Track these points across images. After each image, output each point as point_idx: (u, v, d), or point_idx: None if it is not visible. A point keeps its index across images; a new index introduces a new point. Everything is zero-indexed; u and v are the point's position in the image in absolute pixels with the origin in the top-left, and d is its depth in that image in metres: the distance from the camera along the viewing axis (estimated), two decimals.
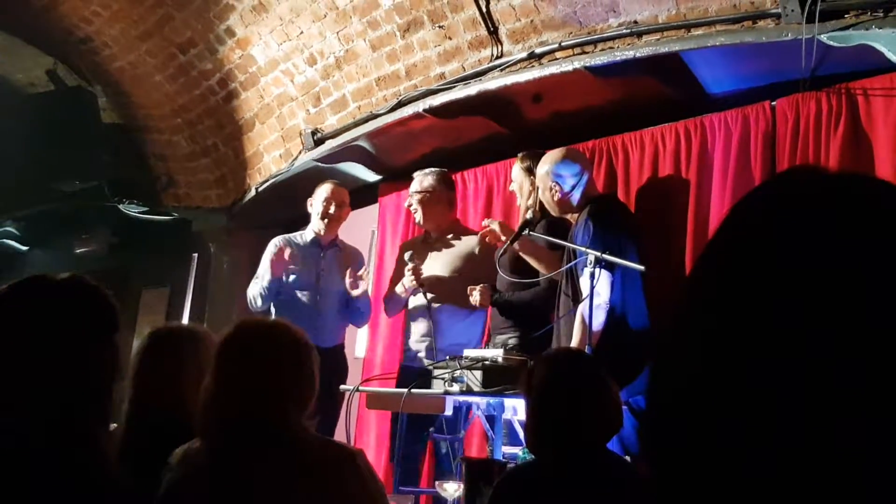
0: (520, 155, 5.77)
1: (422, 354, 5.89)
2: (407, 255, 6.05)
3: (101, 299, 2.13)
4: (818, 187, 0.87)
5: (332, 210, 6.38)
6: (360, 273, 6.26)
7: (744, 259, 0.85)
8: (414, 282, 5.95)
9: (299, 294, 6.29)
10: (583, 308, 4.85)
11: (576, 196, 5.25)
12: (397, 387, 5.57)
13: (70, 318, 2.05)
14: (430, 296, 5.94)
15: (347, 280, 6.21)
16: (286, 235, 6.53)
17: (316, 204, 6.43)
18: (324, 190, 6.45)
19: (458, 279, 5.90)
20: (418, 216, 6.22)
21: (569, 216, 5.34)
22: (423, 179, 6.22)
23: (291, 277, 6.32)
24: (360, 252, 6.73)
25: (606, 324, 4.85)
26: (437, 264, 6.05)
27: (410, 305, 6.16)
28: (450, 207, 6.28)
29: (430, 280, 5.99)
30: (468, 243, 6.09)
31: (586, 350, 4.53)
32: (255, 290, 6.30)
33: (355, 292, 6.24)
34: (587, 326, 4.72)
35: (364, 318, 6.57)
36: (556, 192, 5.26)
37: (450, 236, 6.18)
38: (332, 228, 6.45)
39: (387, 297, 6.34)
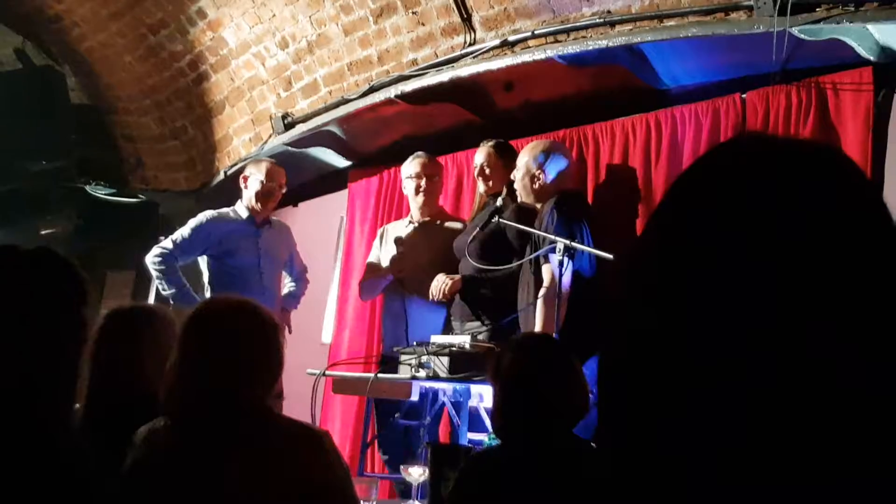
0: (494, 142, 5.75)
1: (396, 342, 5.81)
2: (393, 239, 5.94)
3: (69, 270, 2.11)
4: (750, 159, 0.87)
5: (272, 189, 6.35)
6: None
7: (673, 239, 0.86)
8: (398, 272, 5.87)
9: (241, 275, 6.22)
10: (544, 295, 4.88)
11: (551, 187, 5.27)
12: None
13: (37, 288, 2.02)
14: (407, 287, 5.85)
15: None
16: (218, 211, 6.46)
17: (253, 182, 6.36)
18: (262, 169, 6.39)
19: (443, 268, 5.83)
20: (420, 199, 6.06)
21: (538, 205, 5.34)
22: (428, 164, 6.09)
23: (231, 257, 6.28)
24: (287, 225, 6.75)
25: (570, 309, 4.86)
26: (425, 251, 5.94)
27: (388, 294, 6.10)
28: (441, 195, 6.28)
29: (415, 269, 5.86)
30: (454, 230, 6.00)
31: (553, 336, 4.54)
32: (158, 254, 6.29)
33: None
34: (550, 313, 4.74)
35: (299, 299, 6.66)
36: (539, 180, 5.27)
37: (437, 222, 6.09)
38: (269, 207, 6.42)
39: (364, 281, 6.22)
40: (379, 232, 6.39)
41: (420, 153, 6.15)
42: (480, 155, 5.75)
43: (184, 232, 6.34)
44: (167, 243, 6.29)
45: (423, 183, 6.03)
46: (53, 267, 2.08)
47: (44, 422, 1.94)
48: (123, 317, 3.30)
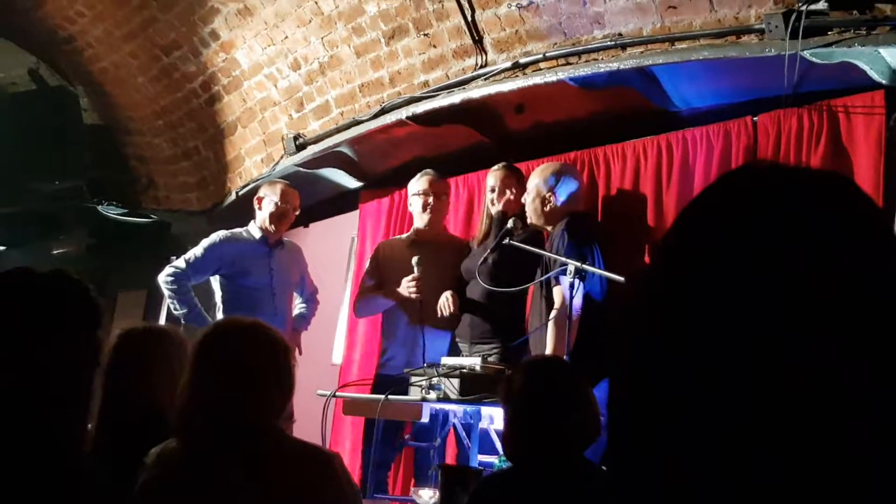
0: (504, 164, 5.77)
1: (409, 362, 5.78)
2: (414, 260, 5.80)
3: (83, 294, 2.11)
4: (766, 186, 0.88)
5: (286, 211, 6.37)
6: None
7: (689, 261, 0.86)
8: (415, 291, 5.79)
9: (255, 295, 6.23)
10: (555, 317, 4.88)
11: (562, 209, 5.27)
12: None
13: (50, 311, 2.03)
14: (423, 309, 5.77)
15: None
16: (231, 231, 6.46)
17: (267, 203, 6.38)
18: (277, 190, 6.41)
19: (444, 285, 5.83)
20: (426, 218, 6.02)
21: (548, 227, 5.34)
22: (436, 182, 6.06)
23: (244, 277, 6.28)
24: (300, 248, 6.76)
25: (581, 331, 4.86)
26: (431, 271, 5.94)
27: (394, 310, 6.05)
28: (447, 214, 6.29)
29: (430, 291, 5.80)
30: (454, 249, 6.02)
31: (564, 358, 4.54)
32: (171, 273, 6.29)
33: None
34: (561, 335, 4.74)
35: (309, 320, 6.65)
36: (550, 203, 5.28)
37: (438, 240, 6.08)
38: (282, 229, 6.44)
39: (360, 298, 6.16)
40: (377, 248, 6.36)
41: (429, 171, 6.14)
42: (492, 177, 5.76)
43: (196, 252, 6.34)
44: (180, 263, 6.30)
45: (430, 200, 6.01)
46: (68, 290, 2.09)
47: (57, 442, 1.95)
48: (135, 338, 3.31)
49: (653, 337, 0.86)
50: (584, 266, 4.68)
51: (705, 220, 0.89)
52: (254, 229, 6.42)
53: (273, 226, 6.35)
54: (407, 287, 5.77)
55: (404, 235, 6.26)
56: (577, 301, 4.81)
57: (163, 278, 6.28)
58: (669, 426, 0.81)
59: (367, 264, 6.34)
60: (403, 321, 5.93)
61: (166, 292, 6.26)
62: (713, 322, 0.80)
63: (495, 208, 5.71)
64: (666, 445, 0.81)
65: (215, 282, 6.38)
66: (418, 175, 6.14)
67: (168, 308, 8.52)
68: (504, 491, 3.14)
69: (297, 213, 6.52)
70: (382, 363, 6.02)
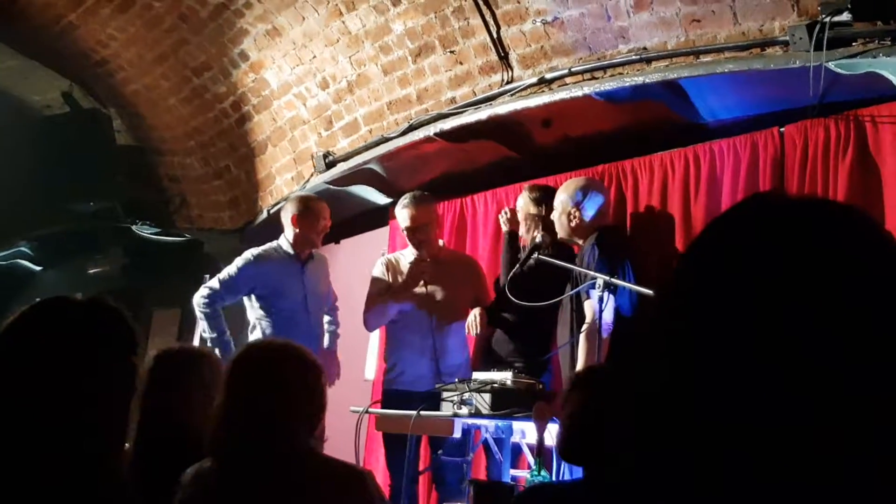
0: (528, 186, 5.82)
1: (419, 377, 5.86)
2: (385, 262, 6.04)
3: (121, 321, 2.16)
4: (776, 214, 0.90)
5: (322, 225, 6.37)
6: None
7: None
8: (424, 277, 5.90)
9: (290, 316, 6.22)
10: (585, 331, 4.88)
11: (590, 224, 5.29)
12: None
13: (89, 339, 2.07)
14: (413, 316, 5.91)
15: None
16: (262, 249, 6.43)
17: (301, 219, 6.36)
18: (308, 205, 6.40)
19: (449, 302, 5.93)
20: (419, 248, 6.07)
21: (577, 241, 5.36)
22: (421, 211, 6.03)
23: (279, 297, 6.27)
24: (326, 258, 6.74)
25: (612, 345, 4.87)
26: (439, 286, 6.01)
27: (395, 326, 6.11)
28: (438, 230, 6.28)
29: (422, 301, 5.94)
30: (454, 266, 6.11)
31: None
32: (206, 295, 6.27)
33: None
34: (592, 349, 4.75)
35: (337, 331, 6.67)
36: (576, 218, 5.30)
37: (437, 259, 6.10)
38: (315, 244, 6.44)
39: (368, 310, 6.17)
40: (383, 261, 6.36)
41: (409, 199, 6.10)
42: (519, 201, 5.84)
43: (230, 271, 6.32)
44: (214, 283, 6.29)
45: (418, 235, 6.05)
46: (105, 317, 2.14)
47: (94, 468, 1.99)
48: (171, 359, 3.37)
49: (676, 353, 0.88)
50: (613, 280, 4.69)
51: (713, 253, 0.92)
52: (285, 244, 6.39)
53: (305, 241, 6.35)
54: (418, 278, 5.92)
55: (408, 250, 6.24)
56: (608, 315, 4.82)
57: (197, 300, 6.26)
58: (694, 438, 0.84)
59: (372, 282, 6.29)
60: (412, 334, 5.97)
61: (199, 314, 6.23)
62: (734, 341, 0.83)
63: (523, 229, 5.78)
64: (690, 457, 0.84)
65: (248, 301, 6.37)
66: (400, 204, 6.14)
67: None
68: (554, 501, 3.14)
69: (329, 225, 6.50)
70: (391, 378, 6.06)
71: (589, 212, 5.30)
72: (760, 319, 0.82)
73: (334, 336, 6.62)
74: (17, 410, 1.97)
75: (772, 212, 0.91)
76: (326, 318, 6.62)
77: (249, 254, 6.41)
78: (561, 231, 5.41)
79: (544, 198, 5.67)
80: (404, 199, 6.13)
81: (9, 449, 1.93)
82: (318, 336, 6.34)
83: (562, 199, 5.40)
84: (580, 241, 5.32)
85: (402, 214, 6.08)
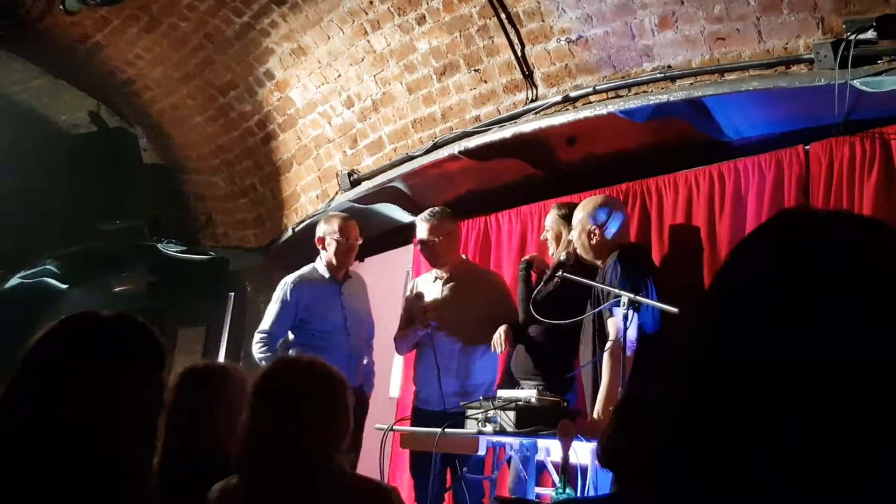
0: (556, 204, 5.83)
1: (431, 397, 5.90)
2: (413, 294, 6.07)
3: (149, 337, 2.17)
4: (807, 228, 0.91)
5: (350, 244, 6.40)
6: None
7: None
8: (425, 320, 5.92)
9: (329, 337, 6.27)
10: (610, 349, 4.87)
11: (611, 243, 5.28)
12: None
13: (118, 354, 2.09)
14: (439, 336, 5.92)
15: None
16: (299, 275, 6.49)
17: (330, 240, 6.41)
18: (336, 225, 6.44)
19: (468, 319, 5.94)
20: (432, 260, 6.19)
21: (599, 262, 5.33)
22: (435, 224, 6.14)
23: (319, 320, 6.32)
24: (361, 276, 6.76)
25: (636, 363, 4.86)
26: (447, 304, 6.05)
27: (421, 347, 6.17)
28: (458, 245, 6.33)
29: (441, 317, 5.97)
30: (476, 281, 6.12)
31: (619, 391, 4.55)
32: (259, 341, 6.33)
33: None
34: (616, 367, 4.74)
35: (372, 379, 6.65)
36: (596, 236, 5.28)
37: (459, 274, 6.16)
38: (349, 263, 6.47)
39: (397, 336, 6.31)
40: (410, 286, 6.48)
41: (423, 217, 6.22)
42: (548, 219, 5.86)
43: (273, 310, 6.39)
44: (264, 326, 6.35)
45: (425, 249, 6.17)
46: (132, 332, 2.16)
47: (122, 483, 2.01)
48: (198, 376, 3.38)
49: (704, 370, 0.89)
50: (637, 297, 4.69)
51: (748, 269, 0.93)
52: (321, 268, 6.45)
53: (339, 262, 6.40)
54: (420, 319, 5.97)
55: (434, 271, 6.32)
56: (632, 333, 4.82)
57: (255, 350, 6.33)
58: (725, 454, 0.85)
59: (404, 305, 6.40)
60: (431, 355, 5.99)
61: (261, 361, 6.20)
62: (763, 361, 0.84)
63: (552, 250, 5.78)
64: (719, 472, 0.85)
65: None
66: (418, 218, 6.26)
67: (227, 343, 8.66)
68: None
69: (360, 242, 6.54)
70: (416, 398, 6.20)
71: (611, 230, 5.29)
72: (797, 337, 0.83)
73: (369, 383, 6.58)
74: (46, 425, 1.99)
75: (802, 230, 0.92)
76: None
77: (286, 284, 6.45)
78: (581, 250, 5.40)
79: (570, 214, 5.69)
80: (422, 214, 6.23)
81: (38, 463, 1.95)
82: (360, 356, 6.36)
83: (580, 217, 5.38)
84: (599, 261, 5.30)
85: (417, 228, 6.22)
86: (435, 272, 6.26)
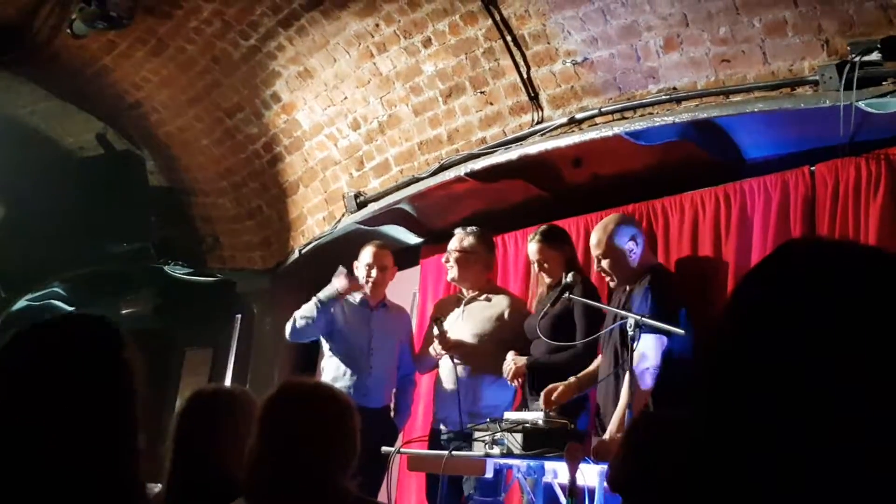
0: (539, 231, 5.73)
1: (448, 418, 5.88)
2: (434, 320, 6.06)
3: (100, 327, 2.09)
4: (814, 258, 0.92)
5: (373, 274, 6.41)
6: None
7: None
8: (441, 349, 5.93)
9: (350, 354, 6.33)
10: (637, 369, 4.79)
11: (643, 261, 5.22)
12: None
13: (70, 355, 2.02)
14: (457, 361, 5.89)
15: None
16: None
17: (360, 268, 6.47)
18: (366, 254, 6.48)
19: (488, 342, 5.92)
20: (453, 273, 6.19)
21: (627, 284, 5.25)
22: (464, 238, 6.19)
23: (345, 334, 6.38)
24: (406, 310, 6.81)
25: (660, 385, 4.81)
26: (468, 326, 6.06)
27: (438, 368, 6.18)
28: (486, 269, 6.27)
29: (459, 345, 5.95)
30: (499, 305, 6.09)
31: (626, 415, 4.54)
32: (303, 311, 6.44)
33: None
34: (636, 389, 4.70)
35: (406, 414, 6.65)
36: (635, 254, 5.18)
37: (482, 297, 6.17)
38: (377, 291, 6.49)
39: (418, 357, 6.41)
40: (434, 307, 6.55)
41: (459, 229, 6.29)
42: (532, 249, 5.74)
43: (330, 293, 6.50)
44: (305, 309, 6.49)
45: (451, 259, 6.20)
46: (81, 329, 2.09)
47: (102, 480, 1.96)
48: (204, 400, 3.38)
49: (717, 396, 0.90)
50: (642, 319, 4.63)
51: (760, 297, 0.93)
52: (356, 293, 6.51)
53: (367, 290, 6.45)
54: (434, 348, 5.97)
55: (462, 292, 6.33)
56: (654, 356, 4.79)
57: (295, 322, 6.49)
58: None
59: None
60: (444, 378, 6.06)
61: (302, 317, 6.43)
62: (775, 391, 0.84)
63: (547, 278, 5.72)
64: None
65: (322, 341, 6.55)
66: (457, 229, 6.31)
67: (234, 365, 8.66)
68: None
69: (392, 270, 6.60)
70: (434, 418, 6.20)
71: (640, 246, 5.23)
72: (808, 372, 0.83)
73: (401, 418, 6.57)
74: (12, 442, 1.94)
75: (810, 261, 0.92)
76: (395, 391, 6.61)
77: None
78: (617, 272, 5.21)
79: (561, 237, 5.67)
80: (458, 231, 6.32)
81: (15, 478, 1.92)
82: (378, 380, 6.35)
83: (603, 238, 5.21)
84: (627, 283, 5.20)
85: (453, 240, 6.29)
86: (461, 293, 6.30)
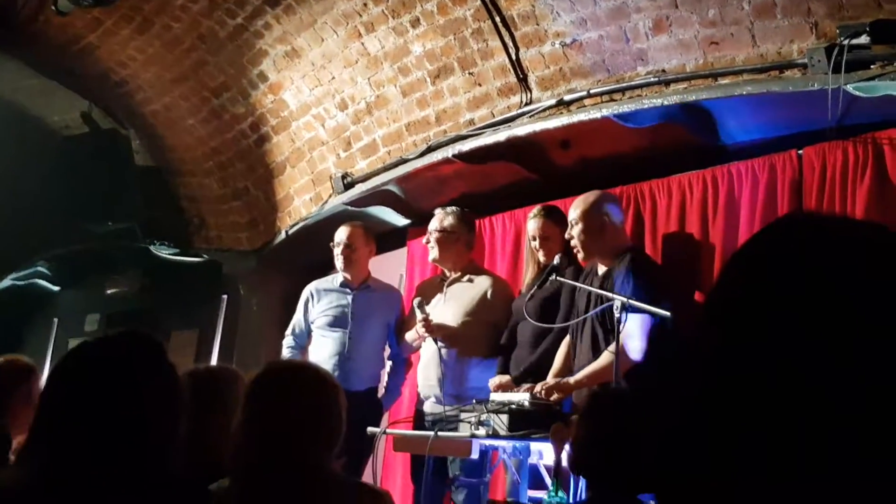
0: (542, 210, 5.75)
1: (432, 400, 5.88)
2: (416, 303, 6.04)
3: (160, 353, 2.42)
4: (814, 232, 0.91)
5: (339, 253, 6.45)
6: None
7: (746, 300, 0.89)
8: (425, 332, 5.92)
9: (330, 337, 6.34)
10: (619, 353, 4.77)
11: (619, 239, 5.23)
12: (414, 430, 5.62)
13: (132, 376, 2.32)
14: (440, 343, 5.87)
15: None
16: (318, 282, 6.62)
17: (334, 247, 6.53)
18: (338, 233, 6.54)
19: (471, 324, 5.92)
20: (434, 253, 6.18)
21: (601, 261, 5.26)
22: (443, 218, 6.18)
23: (323, 321, 6.39)
24: (396, 289, 6.81)
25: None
26: (450, 307, 6.04)
27: (421, 350, 6.17)
28: (467, 248, 6.25)
29: (442, 328, 5.94)
30: (481, 286, 6.08)
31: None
32: (287, 347, 6.56)
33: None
34: (610, 366, 4.69)
35: (395, 394, 6.65)
36: (609, 226, 5.19)
37: (464, 278, 6.16)
38: (353, 270, 6.49)
39: (399, 337, 6.41)
40: (416, 289, 6.57)
41: (440, 209, 6.30)
42: (532, 225, 5.74)
43: (297, 316, 6.60)
44: (288, 331, 6.61)
45: (430, 238, 6.21)
46: (144, 353, 2.39)
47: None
48: (194, 379, 3.36)
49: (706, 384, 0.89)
50: (630, 301, 4.63)
51: (750, 273, 0.92)
52: (338, 275, 6.57)
53: (341, 270, 6.49)
54: (416, 330, 5.97)
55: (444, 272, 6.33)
56: (639, 340, 4.79)
57: (283, 348, 6.59)
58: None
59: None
60: (427, 359, 6.03)
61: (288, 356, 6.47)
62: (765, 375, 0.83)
63: (541, 256, 5.68)
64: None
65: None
66: (437, 209, 6.31)
67: (219, 346, 8.64)
68: None
69: (366, 249, 6.61)
70: (417, 399, 6.18)
71: (616, 221, 5.23)
72: (801, 347, 0.82)
73: (389, 397, 6.56)
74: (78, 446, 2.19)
75: (801, 236, 0.91)
76: (386, 370, 6.62)
77: (307, 290, 6.66)
78: (590, 245, 5.23)
79: (561, 216, 5.65)
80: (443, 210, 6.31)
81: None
82: (360, 366, 6.33)
83: (582, 212, 5.23)
84: (602, 260, 5.23)
85: (434, 220, 6.30)
86: (444, 275, 6.29)
